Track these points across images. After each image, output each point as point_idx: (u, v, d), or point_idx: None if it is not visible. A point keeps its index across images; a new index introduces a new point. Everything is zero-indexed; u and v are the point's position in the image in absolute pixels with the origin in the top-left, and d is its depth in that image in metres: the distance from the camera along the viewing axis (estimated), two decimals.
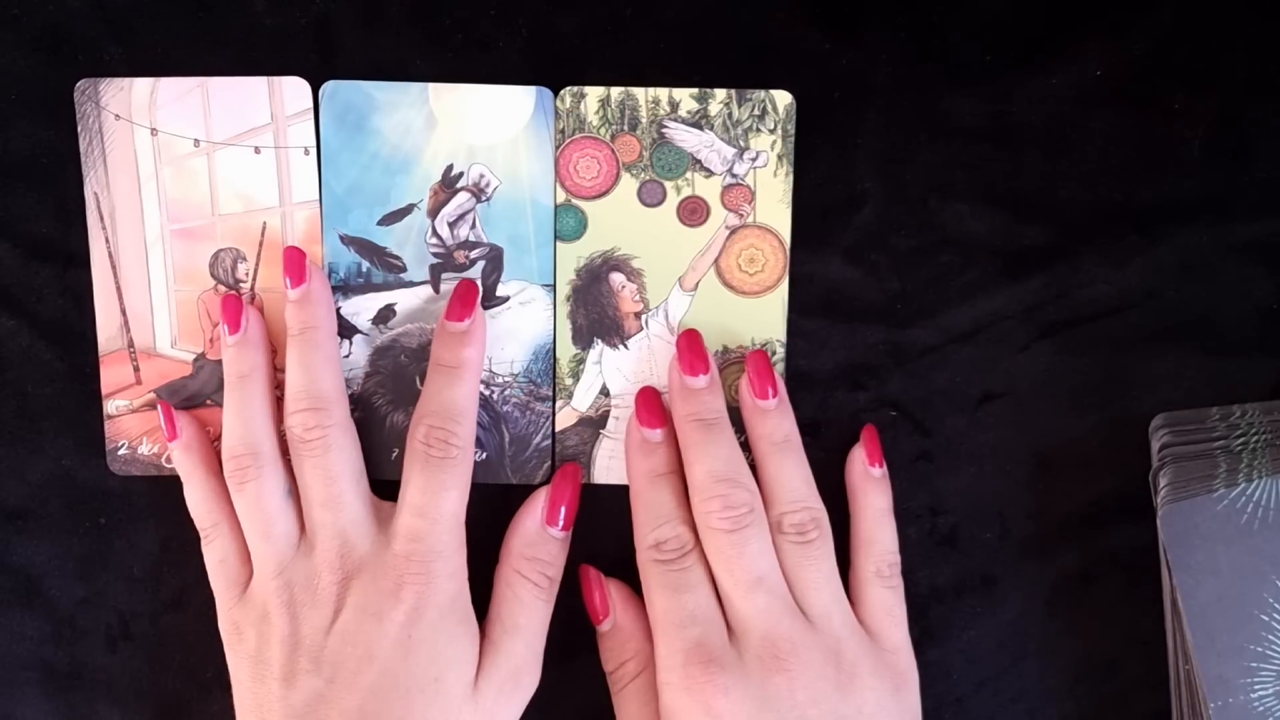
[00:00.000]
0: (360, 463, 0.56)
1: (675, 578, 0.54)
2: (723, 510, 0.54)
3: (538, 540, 0.57)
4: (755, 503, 0.55)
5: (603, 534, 0.59)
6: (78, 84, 0.57)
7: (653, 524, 0.55)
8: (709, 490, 0.54)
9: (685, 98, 0.56)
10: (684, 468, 0.56)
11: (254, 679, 0.54)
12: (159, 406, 0.57)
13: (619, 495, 0.58)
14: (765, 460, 0.56)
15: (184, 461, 0.57)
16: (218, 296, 0.58)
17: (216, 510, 0.57)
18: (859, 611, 0.56)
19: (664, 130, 0.57)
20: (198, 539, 0.58)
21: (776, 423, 0.56)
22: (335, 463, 0.55)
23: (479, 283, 0.57)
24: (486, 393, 0.58)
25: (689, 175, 0.57)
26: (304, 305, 0.56)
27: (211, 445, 0.58)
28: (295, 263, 0.56)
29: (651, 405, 0.57)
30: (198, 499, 0.57)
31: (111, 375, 0.58)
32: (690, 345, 0.56)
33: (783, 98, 0.56)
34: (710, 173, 0.57)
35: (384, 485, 0.58)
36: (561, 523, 0.57)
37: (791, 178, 0.57)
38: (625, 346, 0.58)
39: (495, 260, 0.58)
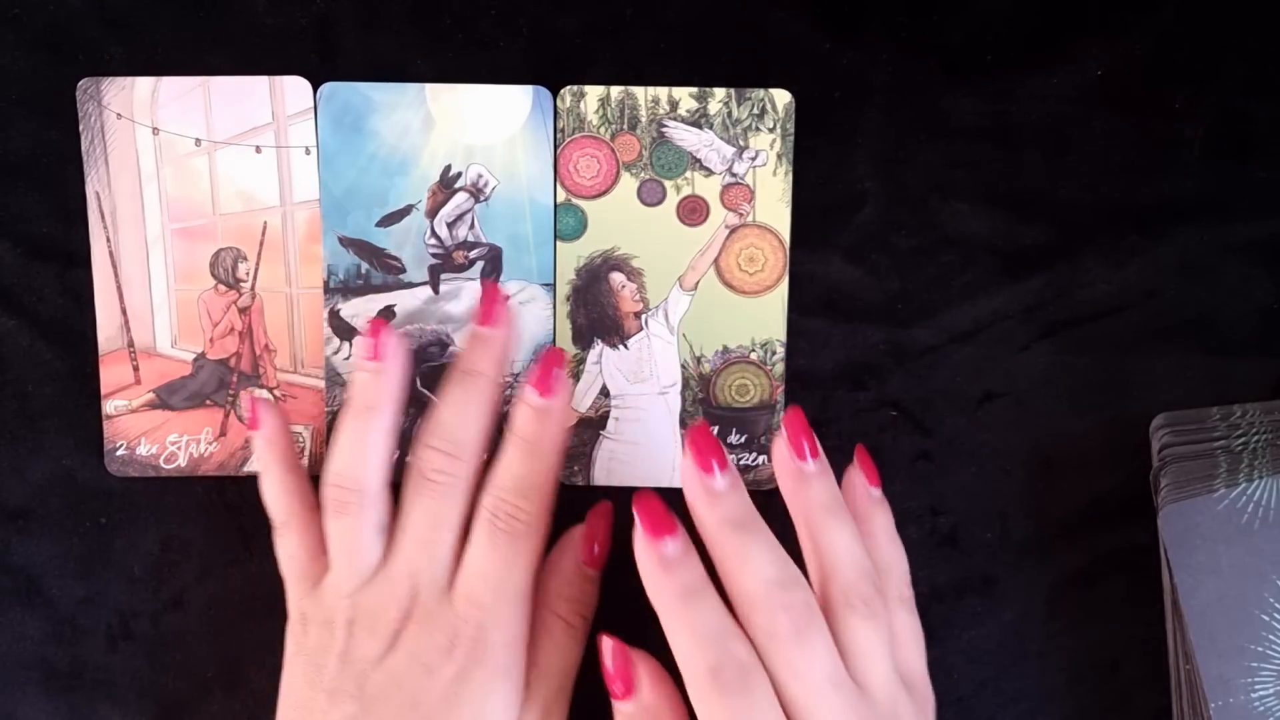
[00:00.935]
0: (466, 515, 0.54)
1: (745, 705, 0.48)
2: (789, 620, 0.48)
3: (575, 580, 0.56)
4: (810, 596, 0.49)
5: None
6: (80, 83, 0.57)
7: (703, 648, 0.48)
8: (769, 600, 0.48)
9: (685, 97, 0.57)
10: (721, 576, 0.50)
11: (306, 682, 0.53)
12: (246, 397, 0.57)
13: (619, 497, 0.58)
14: (819, 530, 0.51)
15: (264, 453, 0.56)
16: (218, 296, 0.58)
17: (291, 505, 0.55)
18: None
19: (664, 129, 0.57)
20: (198, 539, 0.59)
21: (824, 486, 0.52)
22: (448, 511, 0.53)
23: (563, 369, 0.55)
24: None
25: (688, 174, 0.57)
26: (489, 346, 0.55)
27: (292, 439, 0.57)
28: (492, 300, 0.55)
29: (655, 512, 0.50)
30: (275, 493, 0.56)
31: (111, 375, 0.58)
32: (702, 442, 0.50)
33: (782, 97, 0.56)
34: (710, 172, 0.57)
35: None
36: (598, 562, 0.57)
37: (791, 177, 0.57)
38: (625, 346, 0.58)
39: (494, 260, 0.58)
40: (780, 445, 0.52)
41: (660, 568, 0.49)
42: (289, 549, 0.55)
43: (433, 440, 0.54)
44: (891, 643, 0.50)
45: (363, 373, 0.54)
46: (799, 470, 0.52)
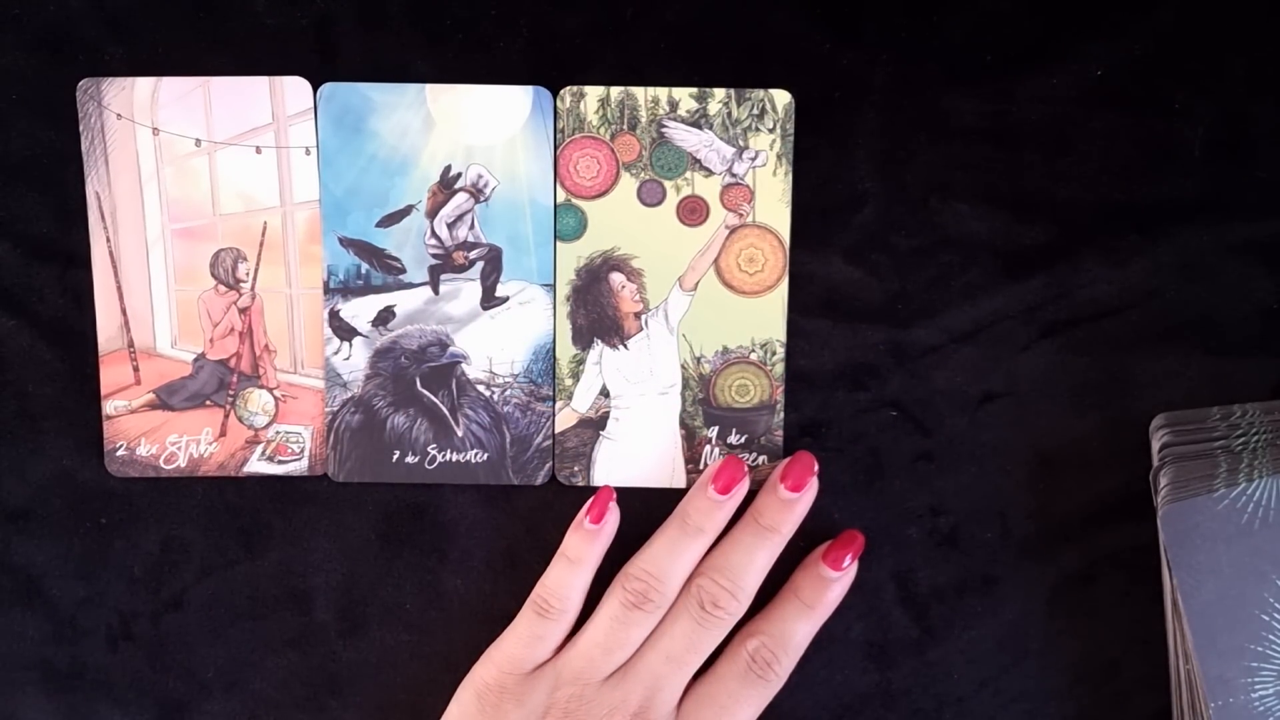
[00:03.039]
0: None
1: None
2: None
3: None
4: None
5: None
6: (80, 83, 0.57)
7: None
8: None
9: (684, 97, 0.57)
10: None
11: None
12: (605, 491, 0.58)
13: (620, 497, 0.58)
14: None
15: (590, 549, 0.57)
16: (218, 296, 0.58)
17: (576, 600, 0.57)
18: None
19: (663, 130, 0.57)
20: (199, 539, 0.59)
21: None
22: (707, 644, 0.56)
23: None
24: (487, 393, 0.58)
25: (688, 175, 0.57)
26: (790, 508, 0.57)
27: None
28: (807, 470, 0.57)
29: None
30: (573, 585, 0.57)
31: (111, 375, 0.58)
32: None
33: (781, 97, 0.56)
34: (710, 172, 0.57)
35: (383, 488, 0.58)
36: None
37: (791, 177, 0.57)
38: (625, 347, 0.58)
39: (494, 261, 0.58)
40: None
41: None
42: (543, 632, 0.57)
43: (721, 578, 0.56)
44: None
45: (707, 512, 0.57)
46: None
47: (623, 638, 0.56)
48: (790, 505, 0.56)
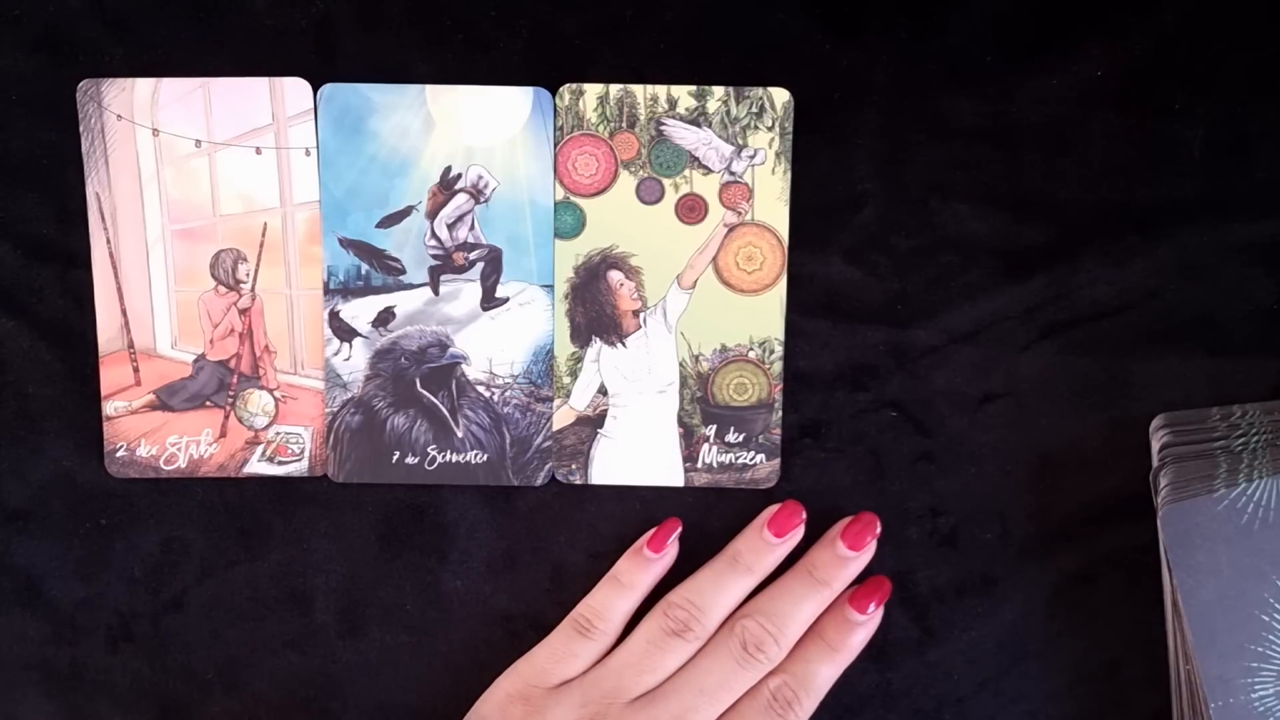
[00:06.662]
0: None
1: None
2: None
3: None
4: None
5: (603, 534, 0.59)
6: (80, 84, 0.57)
7: None
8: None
9: (683, 95, 0.57)
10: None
11: None
12: (672, 524, 0.58)
13: (618, 496, 0.58)
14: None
15: (646, 576, 0.58)
16: (218, 297, 0.58)
17: (618, 623, 0.58)
18: None
19: (662, 128, 0.57)
20: (198, 540, 0.59)
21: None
22: (741, 684, 0.56)
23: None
24: (487, 394, 0.58)
25: (687, 173, 0.57)
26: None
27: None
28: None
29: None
30: (619, 608, 0.58)
31: (111, 376, 0.58)
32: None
33: (780, 95, 0.56)
34: (708, 170, 0.57)
35: (384, 489, 0.58)
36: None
37: (790, 175, 0.57)
38: (623, 345, 0.58)
39: (494, 261, 0.58)
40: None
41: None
42: (581, 651, 0.57)
43: (767, 621, 0.56)
44: None
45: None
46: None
47: (657, 662, 0.56)
48: (846, 563, 0.57)
